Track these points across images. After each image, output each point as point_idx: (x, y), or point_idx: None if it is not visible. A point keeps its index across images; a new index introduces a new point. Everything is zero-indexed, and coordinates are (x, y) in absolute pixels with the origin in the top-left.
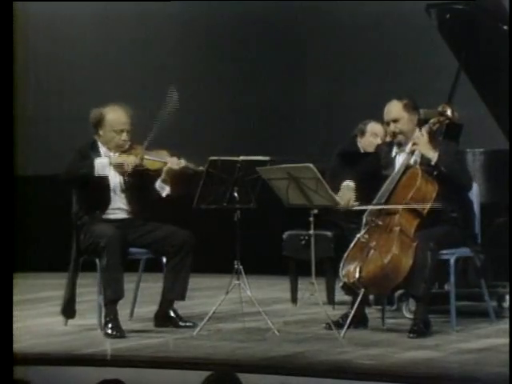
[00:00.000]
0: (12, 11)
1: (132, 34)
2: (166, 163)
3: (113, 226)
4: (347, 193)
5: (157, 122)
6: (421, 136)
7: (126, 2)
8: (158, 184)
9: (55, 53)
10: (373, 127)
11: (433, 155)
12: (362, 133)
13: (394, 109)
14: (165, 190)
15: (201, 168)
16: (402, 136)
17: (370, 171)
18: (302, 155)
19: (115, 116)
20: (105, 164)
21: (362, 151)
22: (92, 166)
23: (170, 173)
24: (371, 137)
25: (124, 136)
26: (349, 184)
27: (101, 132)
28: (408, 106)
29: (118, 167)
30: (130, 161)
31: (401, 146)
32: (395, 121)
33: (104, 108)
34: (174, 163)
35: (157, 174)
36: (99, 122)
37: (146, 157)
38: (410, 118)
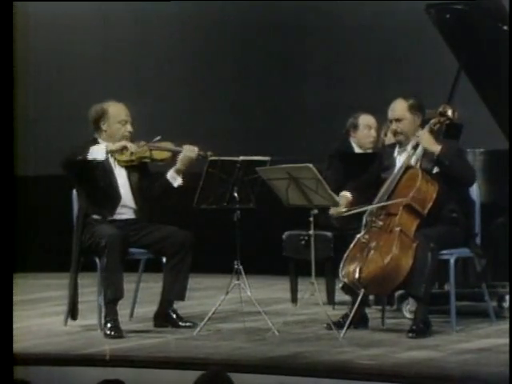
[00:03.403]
0: (12, 11)
1: (132, 34)
2: (178, 152)
3: (114, 226)
4: (342, 204)
5: None
6: (422, 133)
7: (126, 2)
8: (170, 174)
9: (55, 53)
10: (365, 119)
11: (436, 148)
12: (355, 127)
13: (399, 108)
14: (176, 181)
15: (209, 153)
16: (402, 136)
17: (369, 174)
18: (302, 155)
19: (118, 108)
20: (101, 148)
21: (356, 148)
22: (88, 150)
23: (187, 161)
24: (365, 129)
25: (129, 127)
26: (347, 195)
27: (104, 126)
28: (413, 107)
29: (122, 156)
30: (133, 148)
31: (401, 145)
32: (398, 120)
33: (103, 103)
34: (190, 150)
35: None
36: (102, 116)
37: (152, 148)
38: (414, 118)
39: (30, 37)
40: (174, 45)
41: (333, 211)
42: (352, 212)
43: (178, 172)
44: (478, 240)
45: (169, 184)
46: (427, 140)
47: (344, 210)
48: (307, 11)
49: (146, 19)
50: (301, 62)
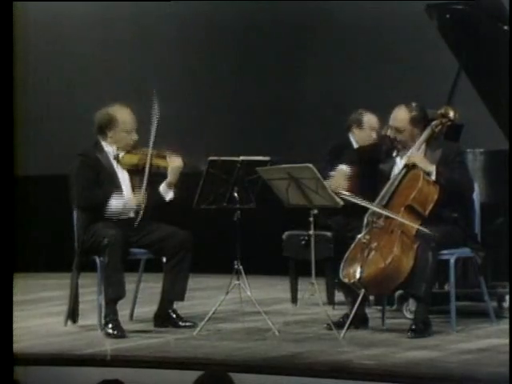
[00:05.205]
0: (12, 11)
1: (132, 34)
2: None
3: (115, 226)
4: (339, 178)
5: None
6: (416, 153)
7: (126, 2)
8: (162, 188)
9: (55, 52)
10: (371, 120)
11: (431, 169)
12: (359, 124)
13: (400, 118)
14: (168, 195)
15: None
16: (400, 145)
17: (367, 161)
18: (302, 155)
19: (125, 116)
20: (126, 202)
21: (355, 145)
22: (108, 197)
23: (175, 173)
24: (369, 130)
25: (134, 135)
26: (343, 169)
27: (110, 133)
28: (415, 120)
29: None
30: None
31: (399, 150)
32: (398, 130)
33: (110, 108)
34: (175, 162)
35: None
36: (109, 123)
37: (155, 154)
38: (413, 131)
39: (30, 37)
40: (173, 45)
41: (332, 187)
42: (350, 199)
43: (170, 185)
44: (478, 240)
45: (161, 197)
46: (422, 162)
47: (344, 191)
48: (307, 11)
49: (146, 19)
50: (301, 62)
